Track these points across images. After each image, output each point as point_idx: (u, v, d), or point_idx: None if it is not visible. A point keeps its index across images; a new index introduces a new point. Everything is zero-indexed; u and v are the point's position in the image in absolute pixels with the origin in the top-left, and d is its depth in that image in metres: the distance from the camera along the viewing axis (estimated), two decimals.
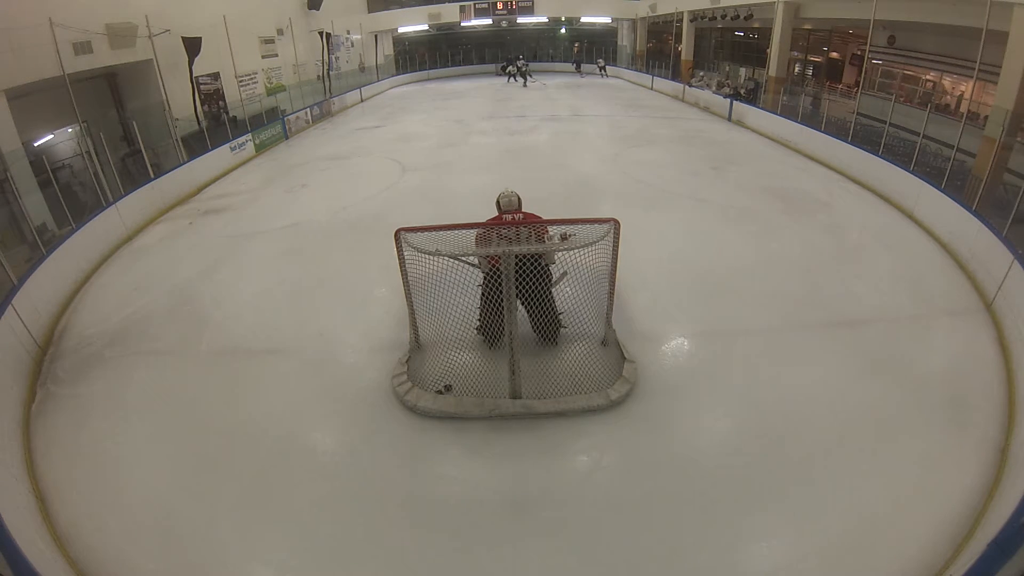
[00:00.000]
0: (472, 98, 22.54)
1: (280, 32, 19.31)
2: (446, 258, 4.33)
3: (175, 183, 10.51)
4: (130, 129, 11.14)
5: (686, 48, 23.49)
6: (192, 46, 13.08)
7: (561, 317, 5.15)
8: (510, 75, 27.52)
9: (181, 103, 13.00)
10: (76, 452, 4.35)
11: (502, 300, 4.20)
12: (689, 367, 5.10)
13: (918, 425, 4.28)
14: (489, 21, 29.73)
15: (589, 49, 30.84)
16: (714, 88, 18.41)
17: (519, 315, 4.40)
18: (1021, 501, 3.11)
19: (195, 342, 5.72)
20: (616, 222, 4.40)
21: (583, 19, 30.45)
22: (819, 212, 8.68)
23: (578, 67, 29.64)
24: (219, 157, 12.48)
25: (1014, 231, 6.29)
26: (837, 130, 11.87)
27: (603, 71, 28.59)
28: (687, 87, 19.96)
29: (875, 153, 9.94)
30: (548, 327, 5.04)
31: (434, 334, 5.14)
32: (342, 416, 4.63)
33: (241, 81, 16.47)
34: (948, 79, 12.98)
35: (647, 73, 24.62)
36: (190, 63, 13.16)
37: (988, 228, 6.38)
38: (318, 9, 21.76)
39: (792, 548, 3.40)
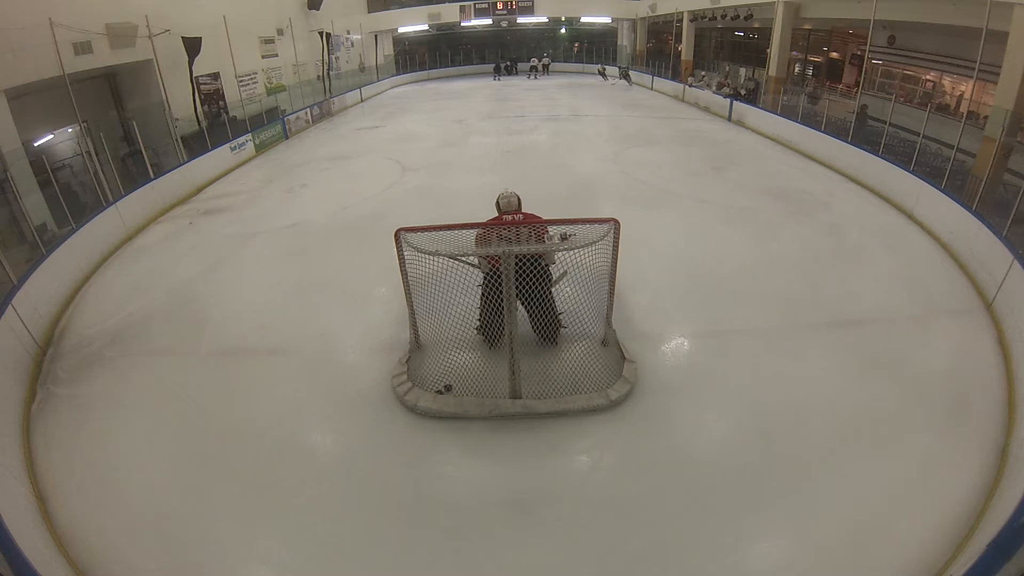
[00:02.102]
0: (472, 98, 22.54)
1: (280, 32, 19.30)
2: (446, 258, 4.33)
3: (175, 183, 10.51)
4: (130, 129, 11.12)
5: (686, 48, 23.48)
6: (192, 46, 13.07)
7: (561, 317, 5.15)
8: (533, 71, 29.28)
9: (181, 103, 13.00)
10: (76, 452, 4.35)
11: (502, 300, 4.20)
12: (689, 367, 5.10)
13: (918, 425, 4.28)
14: (489, 21, 29.73)
15: (589, 49, 30.85)
16: (714, 88, 18.40)
17: (519, 315, 4.40)
18: (1021, 501, 3.10)
19: (195, 342, 5.72)
20: (616, 222, 4.40)
21: (583, 19, 30.44)
22: (819, 212, 8.68)
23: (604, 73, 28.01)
24: (219, 157, 12.48)
25: (1014, 231, 6.29)
26: (837, 130, 11.87)
27: (626, 77, 25.72)
28: (687, 87, 19.96)
29: (875, 153, 9.94)
30: (548, 327, 5.04)
31: (434, 334, 5.13)
32: (342, 416, 4.63)
33: (241, 81, 16.46)
34: (948, 79, 12.98)
35: (647, 73, 24.61)
36: (190, 63, 13.16)
37: (988, 228, 6.37)
38: (318, 9, 21.75)
39: (792, 548, 3.40)
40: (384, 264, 5.86)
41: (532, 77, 29.01)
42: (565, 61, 32.11)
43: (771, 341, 5.39)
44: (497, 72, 29.67)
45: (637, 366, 4.86)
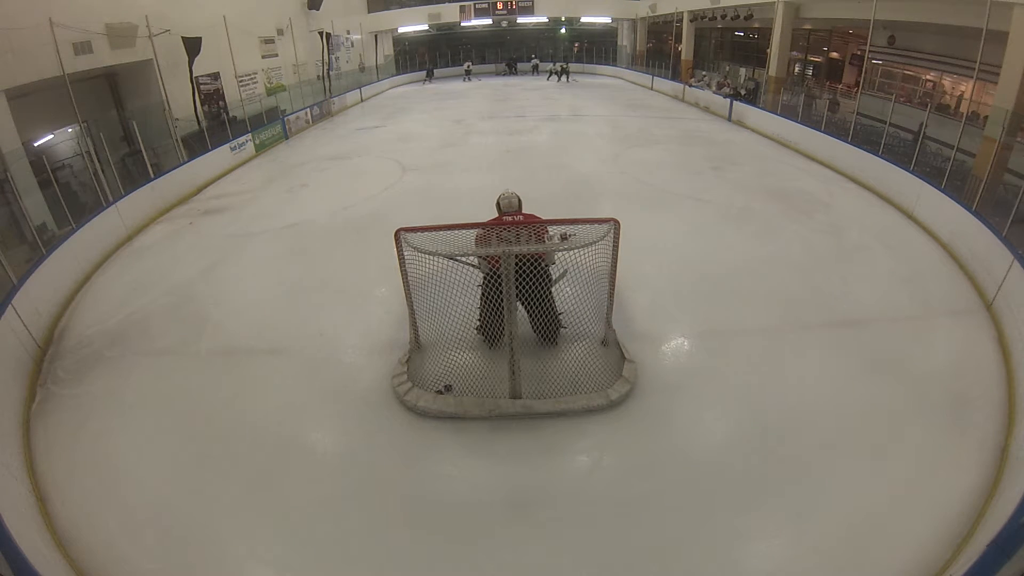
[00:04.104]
0: (472, 98, 22.54)
1: (280, 32, 19.30)
2: (446, 258, 4.33)
3: (175, 183, 10.51)
4: (130, 129, 11.12)
5: (686, 48, 23.47)
6: (192, 46, 13.06)
7: (561, 317, 5.15)
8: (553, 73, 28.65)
9: (181, 103, 12.99)
10: (76, 452, 4.36)
11: (502, 300, 4.20)
12: (689, 367, 5.10)
13: (918, 425, 4.28)
14: (489, 21, 29.72)
15: (589, 49, 30.86)
16: (714, 88, 18.40)
17: (519, 315, 4.40)
18: (1021, 501, 3.11)
19: (195, 342, 5.72)
20: (616, 222, 4.40)
21: (583, 19, 30.43)
22: (819, 212, 8.68)
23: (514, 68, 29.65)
24: (219, 157, 12.48)
25: (1014, 231, 6.29)
26: (837, 130, 11.87)
27: (563, 74, 26.59)
28: (687, 87, 19.96)
29: (875, 153, 9.94)
30: (548, 327, 5.04)
31: (434, 334, 5.13)
32: (342, 416, 4.63)
33: (241, 81, 16.45)
34: (948, 79, 12.97)
35: (647, 73, 24.62)
36: (190, 63, 13.15)
37: (988, 228, 6.37)
38: (318, 9, 21.74)
39: (791, 547, 3.40)
40: (384, 264, 5.87)
41: (467, 80, 28.84)
42: (564, 61, 32.05)
43: (771, 341, 5.39)
44: (510, 68, 30.24)
45: (637, 366, 4.86)
